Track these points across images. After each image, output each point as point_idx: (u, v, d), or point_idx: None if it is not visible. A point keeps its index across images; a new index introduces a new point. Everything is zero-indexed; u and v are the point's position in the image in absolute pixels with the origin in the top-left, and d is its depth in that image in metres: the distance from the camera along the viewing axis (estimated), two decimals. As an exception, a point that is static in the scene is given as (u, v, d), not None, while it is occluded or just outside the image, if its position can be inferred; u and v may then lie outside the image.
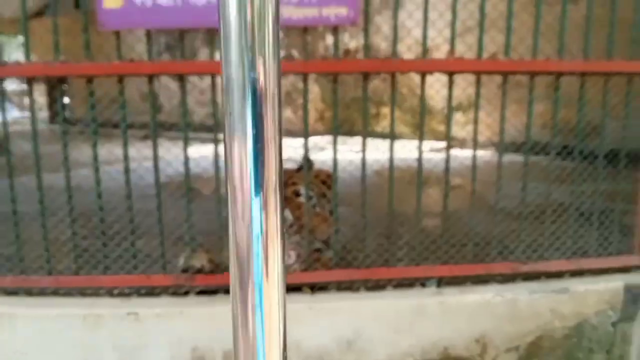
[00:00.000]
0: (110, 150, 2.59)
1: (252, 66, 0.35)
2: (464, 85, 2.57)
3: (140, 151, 2.49)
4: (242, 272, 0.39)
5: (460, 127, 6.31)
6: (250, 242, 0.38)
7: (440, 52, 2.53)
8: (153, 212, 2.33)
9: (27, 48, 2.25)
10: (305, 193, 2.36)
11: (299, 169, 2.60)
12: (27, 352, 2.19)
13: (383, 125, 7.29)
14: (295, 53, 8.44)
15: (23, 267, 2.32)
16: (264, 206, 0.38)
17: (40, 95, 12.82)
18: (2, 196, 2.36)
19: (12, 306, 2.24)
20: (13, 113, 12.49)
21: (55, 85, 2.26)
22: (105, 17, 2.15)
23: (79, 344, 2.16)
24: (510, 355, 2.32)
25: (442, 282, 2.39)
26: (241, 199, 0.38)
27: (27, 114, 13.02)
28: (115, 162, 2.70)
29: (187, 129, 2.27)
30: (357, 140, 2.39)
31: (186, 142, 2.26)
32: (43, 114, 12.20)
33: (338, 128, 2.36)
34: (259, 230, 0.38)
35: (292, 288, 2.29)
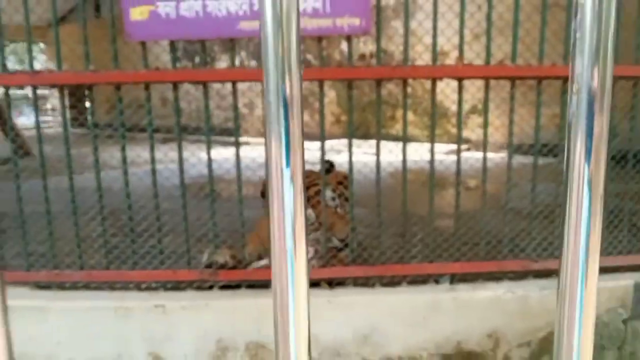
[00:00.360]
0: (132, 152, 2.71)
1: (282, 77, 0.45)
2: (473, 90, 2.65)
3: (165, 154, 2.62)
4: (280, 261, 0.49)
5: (477, 129, 6.35)
6: (284, 230, 0.48)
7: (450, 59, 2.61)
8: (177, 211, 2.45)
9: (58, 57, 2.39)
10: (324, 192, 2.46)
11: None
12: (61, 342, 2.31)
13: (398, 128, 7.37)
14: (310, 58, 8.56)
15: (56, 263, 2.46)
16: (294, 200, 0.48)
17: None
18: (32, 196, 2.49)
19: (47, 299, 2.37)
20: (35, 117, 12.81)
21: (82, 92, 2.39)
22: (132, 28, 2.28)
23: (110, 335, 2.28)
24: (522, 350, 2.38)
25: (455, 278, 2.47)
26: (277, 195, 0.47)
27: (48, 118, 13.36)
28: (138, 164, 2.83)
29: (210, 133, 2.39)
30: (373, 143, 2.48)
31: (209, 146, 2.38)
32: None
33: (354, 131, 2.46)
34: (290, 218, 0.48)
35: (311, 283, 2.39)
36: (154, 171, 2.38)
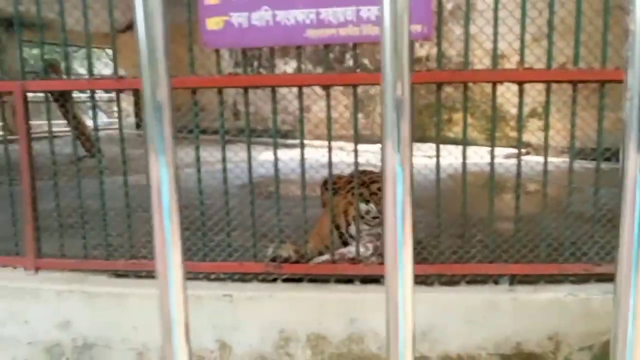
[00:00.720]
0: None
1: (394, 83, 0.55)
2: (533, 93, 2.64)
3: (236, 154, 2.78)
4: (392, 241, 0.58)
5: (537, 133, 6.23)
6: (395, 210, 0.57)
7: (510, 62, 2.62)
8: (240, 208, 2.59)
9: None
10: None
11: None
12: (137, 327, 2.48)
13: (455, 131, 7.32)
14: (366, 62, 8.63)
15: (133, 253, 2.66)
16: (404, 187, 0.57)
17: (128, 104, 13.82)
18: (108, 192, 2.70)
19: (124, 287, 2.55)
20: (102, 119, 13.61)
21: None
22: (208, 37, 2.44)
23: (182, 322, 2.45)
24: (584, 354, 2.36)
25: (515, 280, 2.48)
26: (391, 185, 0.56)
27: (115, 120, 14.09)
28: (208, 163, 3.00)
29: (276, 135, 2.52)
30: (429, 145, 2.54)
31: (275, 147, 2.51)
32: (130, 120, 13.11)
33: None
34: (401, 200, 0.57)
35: (370, 280, 2.48)
36: (224, 170, 2.53)
